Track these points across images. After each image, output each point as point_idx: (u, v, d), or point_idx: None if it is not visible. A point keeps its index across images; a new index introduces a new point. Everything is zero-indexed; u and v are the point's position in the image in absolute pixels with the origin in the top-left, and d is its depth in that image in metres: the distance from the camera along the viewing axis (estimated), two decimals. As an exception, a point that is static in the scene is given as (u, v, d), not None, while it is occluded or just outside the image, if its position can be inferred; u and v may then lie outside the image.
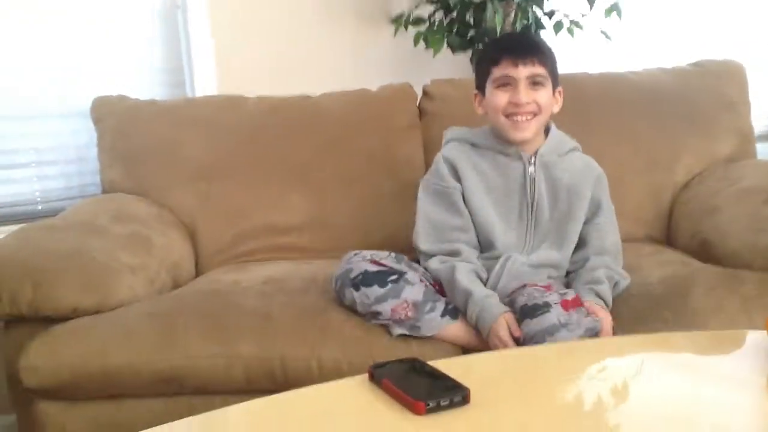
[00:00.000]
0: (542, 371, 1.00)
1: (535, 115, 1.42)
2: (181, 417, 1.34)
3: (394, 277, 1.35)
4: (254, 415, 0.88)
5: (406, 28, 2.42)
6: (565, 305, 1.26)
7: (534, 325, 1.24)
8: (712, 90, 1.98)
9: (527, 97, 1.39)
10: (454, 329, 1.36)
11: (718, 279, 1.42)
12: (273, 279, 1.55)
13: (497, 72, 1.42)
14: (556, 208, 1.47)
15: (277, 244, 1.85)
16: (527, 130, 1.42)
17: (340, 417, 0.86)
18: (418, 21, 2.42)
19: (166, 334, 1.34)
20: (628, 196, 1.85)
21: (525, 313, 1.26)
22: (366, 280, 1.34)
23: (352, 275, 1.36)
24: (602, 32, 2.44)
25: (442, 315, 1.35)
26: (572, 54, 2.50)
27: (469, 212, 1.46)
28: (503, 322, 1.29)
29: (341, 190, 1.88)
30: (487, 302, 1.32)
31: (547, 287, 1.31)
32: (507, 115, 1.42)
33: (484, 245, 1.47)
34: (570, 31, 2.43)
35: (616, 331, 1.33)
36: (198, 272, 1.80)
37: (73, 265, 1.42)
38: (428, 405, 0.82)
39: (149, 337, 1.34)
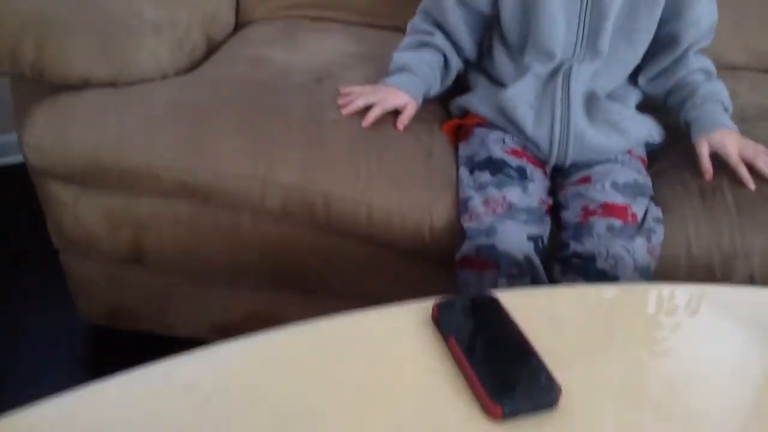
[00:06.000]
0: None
1: None
2: (204, 228, 1.17)
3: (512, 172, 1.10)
4: (296, 343, 0.71)
5: None
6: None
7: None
8: None
9: None
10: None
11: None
12: (328, 71, 1.25)
13: None
14: None
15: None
16: None
17: (393, 378, 0.69)
18: None
19: (193, 140, 1.10)
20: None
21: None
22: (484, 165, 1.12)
23: (477, 158, 1.13)
24: None
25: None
26: None
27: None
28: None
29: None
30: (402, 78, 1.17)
31: (632, 218, 1.05)
32: None
33: (534, 40, 1.13)
34: None
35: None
36: (237, 24, 1.48)
37: (85, 21, 1.13)
38: (505, 412, 0.65)
39: (173, 139, 1.10)
